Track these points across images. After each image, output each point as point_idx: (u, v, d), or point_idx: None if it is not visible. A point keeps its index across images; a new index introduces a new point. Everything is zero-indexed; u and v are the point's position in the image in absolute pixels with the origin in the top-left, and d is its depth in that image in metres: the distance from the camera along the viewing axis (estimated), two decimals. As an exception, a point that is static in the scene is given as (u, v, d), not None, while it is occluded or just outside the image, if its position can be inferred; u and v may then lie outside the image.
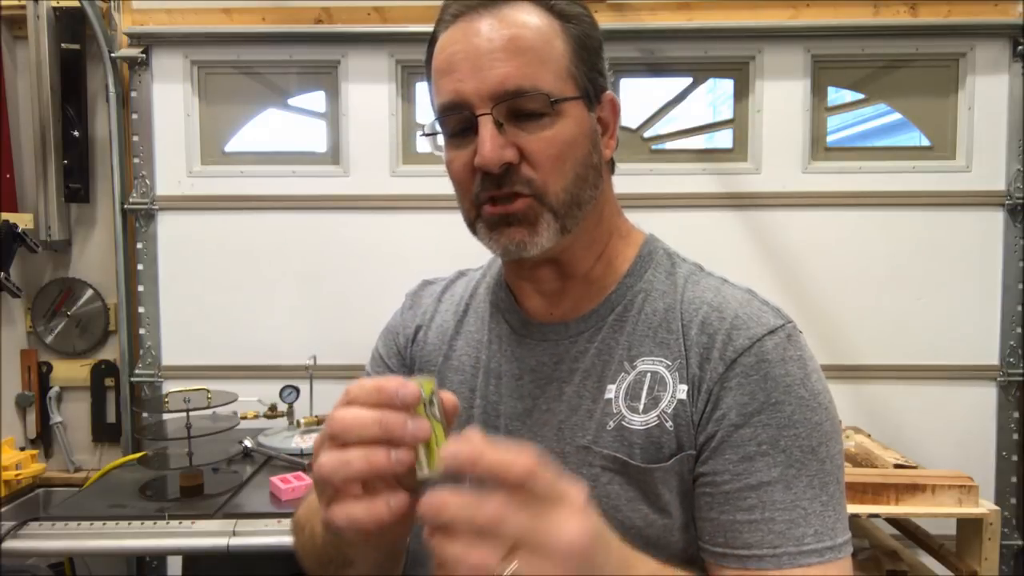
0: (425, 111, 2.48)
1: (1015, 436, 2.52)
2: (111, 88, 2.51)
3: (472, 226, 0.77)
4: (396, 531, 0.59)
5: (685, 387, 0.72)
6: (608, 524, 0.72)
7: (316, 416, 2.37)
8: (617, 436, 0.73)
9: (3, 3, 2.49)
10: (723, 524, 0.69)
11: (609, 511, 0.72)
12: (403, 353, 0.90)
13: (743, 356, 0.71)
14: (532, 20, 0.72)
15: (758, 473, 0.68)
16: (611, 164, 0.82)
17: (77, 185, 2.57)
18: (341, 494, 0.53)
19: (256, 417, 2.40)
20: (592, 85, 0.75)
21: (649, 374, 0.74)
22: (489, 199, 0.73)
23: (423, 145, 2.58)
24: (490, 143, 0.69)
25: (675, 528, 0.72)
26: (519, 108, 0.71)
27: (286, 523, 1.77)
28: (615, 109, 0.79)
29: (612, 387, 0.75)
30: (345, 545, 0.68)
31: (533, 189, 0.71)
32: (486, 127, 0.69)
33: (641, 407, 0.73)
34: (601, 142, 0.78)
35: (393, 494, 0.52)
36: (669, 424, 0.72)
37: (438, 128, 0.75)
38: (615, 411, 0.73)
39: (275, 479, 1.93)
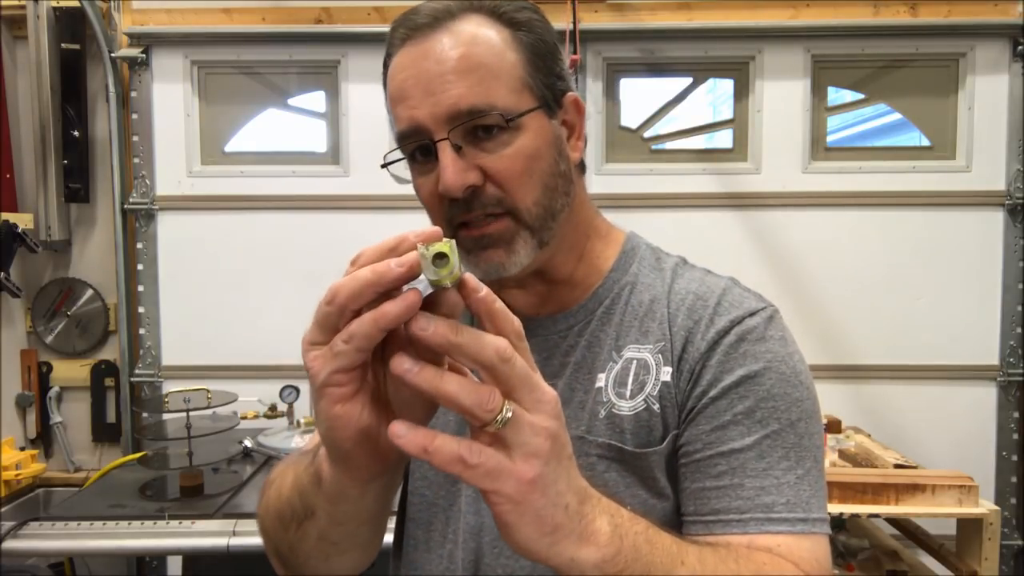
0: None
1: (1015, 436, 2.52)
2: (111, 88, 2.51)
3: None
4: (370, 475, 0.57)
5: (669, 369, 0.73)
6: None
7: (316, 416, 2.37)
8: (609, 424, 0.74)
9: (3, 3, 2.49)
10: (693, 492, 0.70)
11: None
12: None
13: (725, 336, 0.72)
14: (481, 33, 0.70)
15: (731, 441, 0.69)
16: (581, 165, 0.81)
17: (77, 185, 2.57)
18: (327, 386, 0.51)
19: (256, 417, 2.40)
20: (551, 91, 0.74)
21: (635, 361, 0.75)
22: (463, 224, 0.72)
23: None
24: (451, 168, 0.68)
25: (673, 511, 0.73)
26: (478, 128, 0.69)
27: (286, 523, 1.77)
28: (579, 110, 0.78)
29: (602, 376, 0.76)
30: (312, 492, 0.65)
31: (505, 207, 0.71)
32: (445, 153, 0.68)
33: (628, 393, 0.74)
34: (568, 146, 0.77)
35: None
36: (656, 406, 0.73)
37: (398, 156, 0.74)
38: (605, 399, 0.75)
39: (275, 479, 1.93)
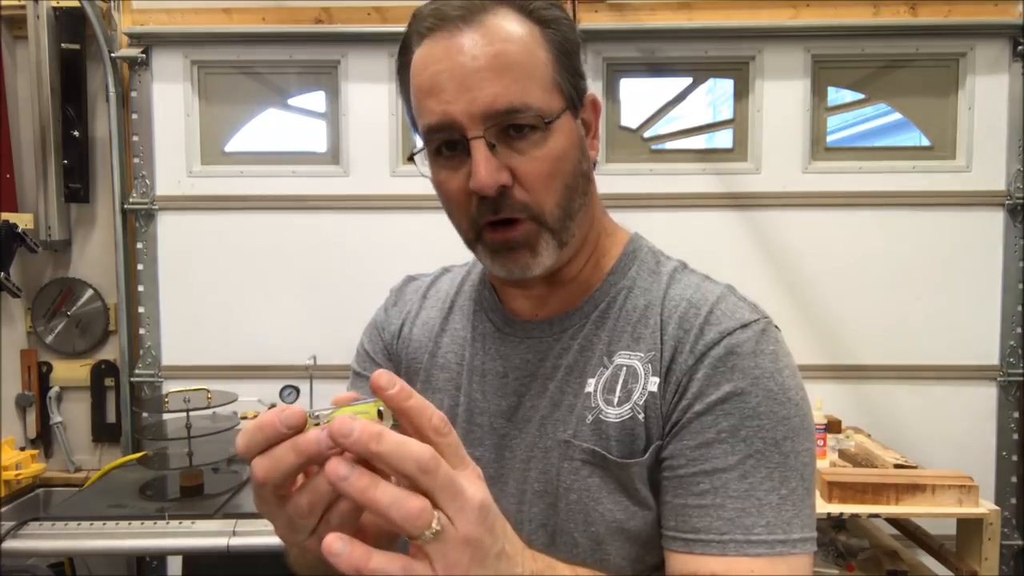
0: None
1: (1015, 436, 2.52)
2: (111, 88, 2.51)
3: (472, 246, 0.77)
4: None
5: (657, 379, 0.73)
6: (590, 518, 0.72)
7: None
8: (595, 430, 0.74)
9: (3, 3, 2.49)
10: (675, 508, 0.69)
11: (591, 503, 0.73)
12: (389, 349, 0.91)
13: (713, 348, 0.71)
14: (515, 31, 0.70)
15: (714, 460, 0.68)
16: (592, 163, 0.82)
17: (77, 185, 2.57)
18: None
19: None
20: (575, 90, 0.75)
21: (624, 368, 0.75)
22: (489, 224, 0.72)
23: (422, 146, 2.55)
24: (484, 166, 0.68)
25: (655, 521, 0.73)
26: (511, 126, 0.70)
27: (286, 523, 1.77)
28: (597, 109, 0.79)
29: (592, 381, 0.76)
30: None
31: (530, 213, 0.71)
32: (480, 151, 0.68)
33: (616, 400, 0.74)
34: (586, 144, 0.78)
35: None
36: (641, 416, 0.72)
37: (420, 147, 0.74)
38: (593, 405, 0.74)
39: (275, 479, 1.93)
